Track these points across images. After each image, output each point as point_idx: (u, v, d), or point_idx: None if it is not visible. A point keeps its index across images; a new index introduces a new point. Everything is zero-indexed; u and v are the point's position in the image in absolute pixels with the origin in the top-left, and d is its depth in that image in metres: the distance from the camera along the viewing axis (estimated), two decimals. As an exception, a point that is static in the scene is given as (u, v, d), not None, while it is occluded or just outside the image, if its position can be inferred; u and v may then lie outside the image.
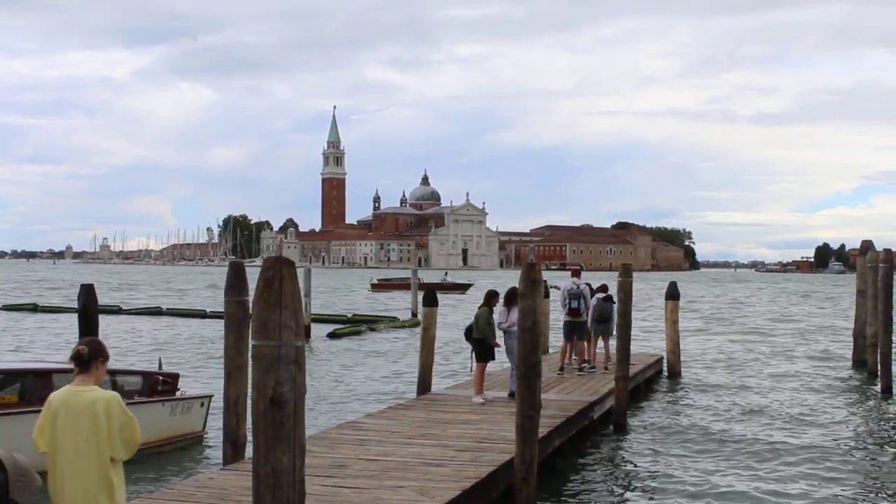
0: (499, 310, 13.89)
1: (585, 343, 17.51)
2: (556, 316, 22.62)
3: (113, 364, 19.14)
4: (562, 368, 17.29)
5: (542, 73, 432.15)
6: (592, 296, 17.46)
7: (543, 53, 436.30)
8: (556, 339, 24.68)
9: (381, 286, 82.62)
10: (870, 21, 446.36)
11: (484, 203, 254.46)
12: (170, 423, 13.12)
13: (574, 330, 17.16)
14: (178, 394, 13.70)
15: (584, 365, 17.37)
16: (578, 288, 16.95)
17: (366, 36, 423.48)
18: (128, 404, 12.34)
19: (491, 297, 13.80)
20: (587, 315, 17.05)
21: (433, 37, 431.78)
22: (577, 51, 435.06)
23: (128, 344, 29.10)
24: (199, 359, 25.26)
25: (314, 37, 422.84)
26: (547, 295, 19.94)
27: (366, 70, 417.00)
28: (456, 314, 41.35)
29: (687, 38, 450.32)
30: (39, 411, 5.33)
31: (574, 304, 16.79)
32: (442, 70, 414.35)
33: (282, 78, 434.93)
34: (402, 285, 69.60)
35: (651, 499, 10.71)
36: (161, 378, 13.59)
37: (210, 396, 14.14)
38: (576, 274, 17.65)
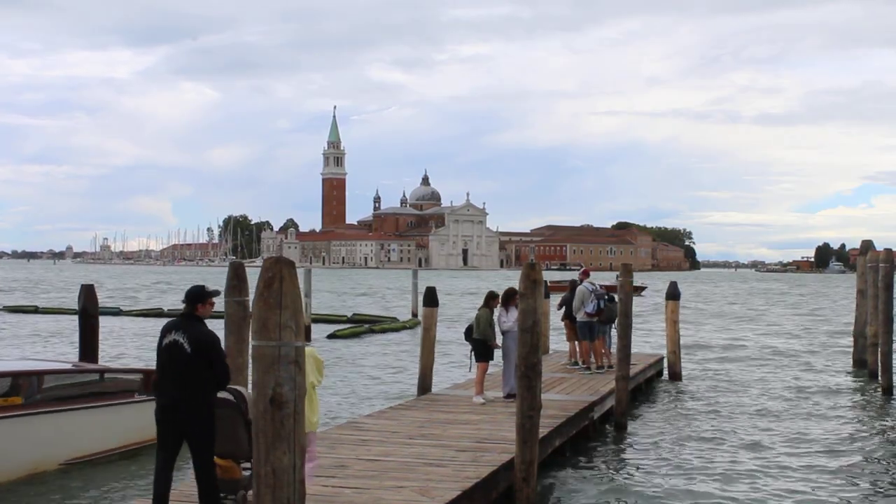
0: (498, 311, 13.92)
1: (597, 343, 17.71)
2: (556, 320, 22.60)
3: (113, 363, 18.99)
4: (590, 367, 17.43)
5: (544, 74, 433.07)
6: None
7: (547, 54, 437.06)
8: (556, 340, 24.71)
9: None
10: (874, 22, 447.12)
11: (484, 203, 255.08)
12: None
13: (592, 330, 17.38)
14: None
15: (591, 364, 17.47)
16: (599, 288, 17.25)
17: (369, 36, 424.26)
18: (126, 402, 12.39)
19: (491, 298, 13.85)
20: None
21: (437, 37, 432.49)
22: (581, 51, 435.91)
23: (129, 346, 29.08)
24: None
25: (317, 37, 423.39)
26: (547, 295, 19.96)
27: (369, 70, 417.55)
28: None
29: (691, 39, 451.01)
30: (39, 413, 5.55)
31: (602, 305, 17.06)
32: (445, 70, 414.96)
33: (285, 78, 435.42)
34: (565, 287, 68.47)
35: (651, 499, 10.70)
36: None
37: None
38: (585, 275, 17.82)
